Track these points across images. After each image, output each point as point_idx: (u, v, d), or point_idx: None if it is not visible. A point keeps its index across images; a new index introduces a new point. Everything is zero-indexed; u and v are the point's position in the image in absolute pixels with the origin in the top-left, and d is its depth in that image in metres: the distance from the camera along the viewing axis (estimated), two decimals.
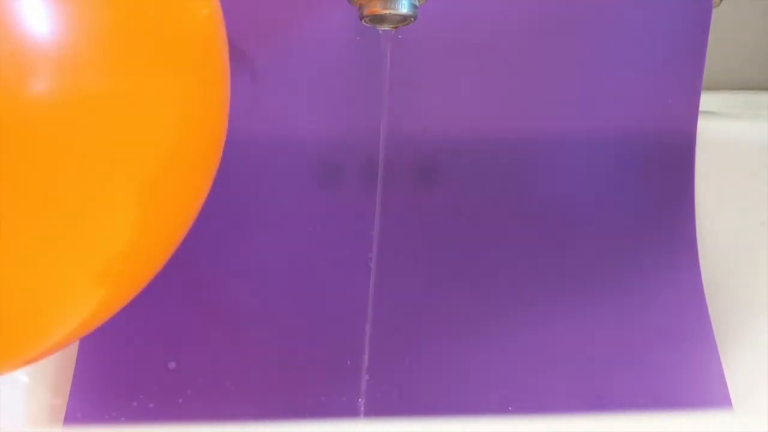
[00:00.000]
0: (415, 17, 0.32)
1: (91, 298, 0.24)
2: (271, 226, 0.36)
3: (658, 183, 0.36)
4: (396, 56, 0.34)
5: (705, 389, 0.34)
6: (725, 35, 0.43)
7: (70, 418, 0.33)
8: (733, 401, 0.33)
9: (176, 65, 0.23)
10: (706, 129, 0.37)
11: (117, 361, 0.34)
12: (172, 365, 0.34)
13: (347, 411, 0.34)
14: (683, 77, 0.35)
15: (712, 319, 0.35)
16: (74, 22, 0.19)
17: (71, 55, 0.19)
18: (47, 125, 0.19)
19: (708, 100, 0.38)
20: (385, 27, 0.33)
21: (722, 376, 0.34)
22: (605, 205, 0.37)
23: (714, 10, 0.35)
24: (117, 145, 0.21)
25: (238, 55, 0.35)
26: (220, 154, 0.27)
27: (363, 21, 0.32)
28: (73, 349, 0.34)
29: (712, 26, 0.35)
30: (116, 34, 0.20)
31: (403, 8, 0.31)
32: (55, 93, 0.19)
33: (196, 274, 0.36)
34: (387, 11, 0.31)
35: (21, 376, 0.33)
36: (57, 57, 0.19)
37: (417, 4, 0.32)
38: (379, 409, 0.34)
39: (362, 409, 0.34)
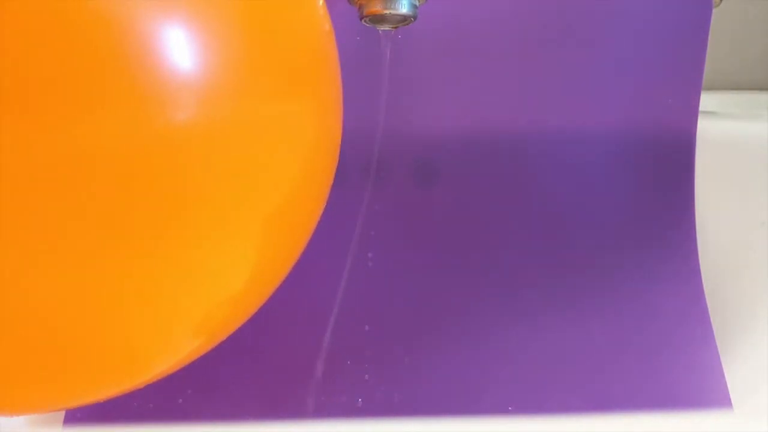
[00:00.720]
0: (415, 17, 0.32)
1: (186, 344, 0.22)
2: None
3: (658, 183, 0.36)
4: (396, 56, 0.34)
5: (705, 389, 0.34)
6: (725, 35, 0.43)
7: (70, 418, 0.33)
8: (733, 401, 0.33)
9: (303, 88, 0.22)
10: (706, 129, 0.37)
11: None
12: None
13: (347, 411, 0.34)
14: (683, 77, 0.35)
15: (712, 320, 0.35)
16: (213, 52, 0.19)
17: (209, 85, 0.18)
18: (184, 155, 0.18)
19: (708, 100, 0.38)
20: (385, 27, 0.33)
21: (722, 376, 0.34)
22: (605, 205, 0.37)
23: (714, 10, 0.35)
24: (247, 176, 0.20)
25: None
26: (331, 184, 0.26)
27: (363, 21, 0.32)
28: None
29: (712, 26, 0.35)
30: (251, 62, 0.20)
31: (403, 8, 0.31)
32: (193, 123, 0.18)
33: None
34: (387, 11, 0.31)
35: None
36: (196, 87, 0.18)
37: (417, 4, 0.32)
38: (379, 409, 0.34)
39: (362, 409, 0.34)
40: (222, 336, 0.24)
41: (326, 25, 0.24)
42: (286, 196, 0.21)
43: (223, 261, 0.20)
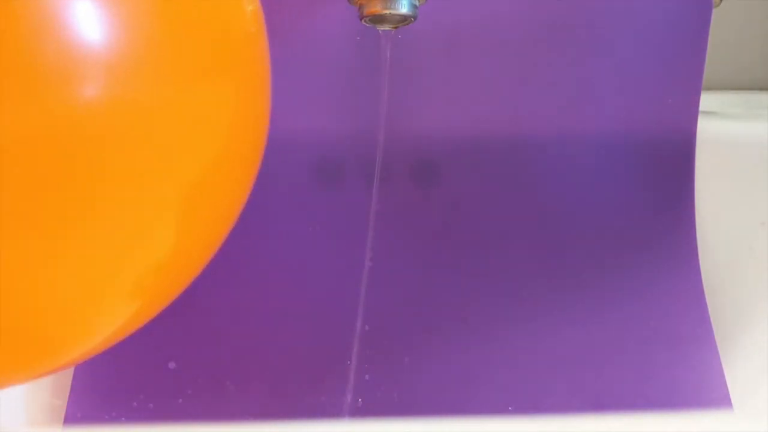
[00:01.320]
0: (415, 17, 0.32)
1: (124, 309, 0.23)
2: (269, 226, 0.36)
3: (658, 183, 0.36)
4: (396, 56, 0.34)
5: (705, 389, 0.34)
6: (725, 35, 0.43)
7: (70, 418, 0.33)
8: (733, 401, 0.33)
9: (225, 68, 0.22)
10: (706, 129, 0.37)
11: (117, 361, 0.34)
12: (172, 365, 0.34)
13: (347, 411, 0.34)
14: (683, 77, 0.35)
15: (712, 320, 0.35)
16: (125, 27, 0.19)
17: (122, 61, 0.18)
18: (95, 131, 0.18)
19: (708, 100, 0.38)
20: (385, 27, 0.33)
21: (722, 376, 0.34)
22: (605, 205, 0.37)
23: (714, 10, 0.35)
24: (164, 151, 0.20)
25: None
26: (260, 160, 0.26)
27: (363, 21, 0.32)
28: None
29: (712, 26, 0.35)
30: (167, 39, 0.20)
31: (403, 8, 0.31)
32: (104, 98, 0.18)
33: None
34: (387, 11, 0.31)
35: None
36: (107, 62, 0.18)
37: (417, 4, 0.32)
38: (379, 408, 0.34)
39: (362, 408, 0.34)
40: (158, 304, 0.24)
41: (249, 6, 0.24)
42: (200, 173, 0.22)
43: (144, 230, 0.21)
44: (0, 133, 0.17)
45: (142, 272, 0.22)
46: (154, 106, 0.19)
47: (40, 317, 0.20)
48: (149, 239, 0.21)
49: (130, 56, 0.19)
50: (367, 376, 0.34)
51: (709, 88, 0.42)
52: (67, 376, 0.34)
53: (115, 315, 0.23)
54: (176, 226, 0.22)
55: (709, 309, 0.35)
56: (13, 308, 0.19)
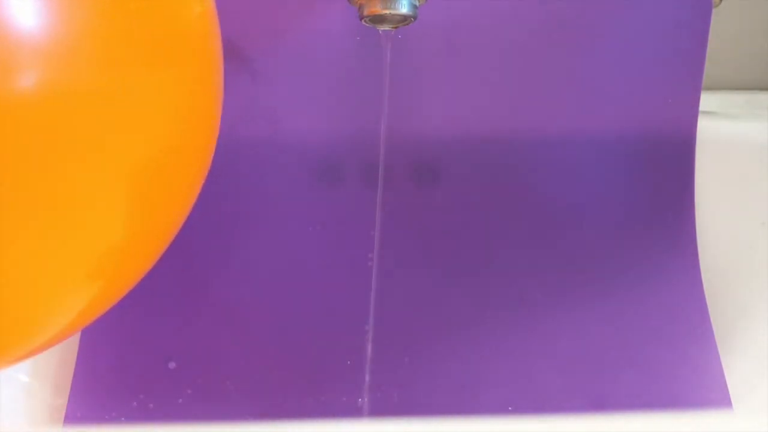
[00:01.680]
0: (415, 17, 0.32)
1: (84, 293, 0.23)
2: (271, 226, 0.36)
3: (658, 183, 0.36)
4: (396, 56, 0.34)
5: (705, 389, 0.34)
6: (725, 35, 0.43)
7: (70, 418, 0.33)
8: (733, 401, 0.33)
9: (167, 60, 0.22)
10: (706, 129, 0.37)
11: (117, 361, 0.34)
12: (172, 365, 0.34)
13: (348, 411, 0.34)
14: (683, 77, 0.35)
15: (712, 319, 0.35)
16: (63, 15, 0.19)
17: (59, 49, 0.18)
18: (34, 120, 0.18)
19: (708, 100, 0.38)
20: (385, 27, 0.33)
21: (722, 376, 0.34)
22: (605, 205, 0.37)
23: (714, 10, 0.35)
24: (107, 140, 0.21)
25: (237, 55, 0.35)
26: (213, 150, 0.27)
27: (363, 21, 0.32)
28: (73, 349, 0.34)
29: (712, 26, 0.35)
30: (106, 28, 0.20)
31: (403, 8, 0.31)
32: (42, 87, 0.18)
33: (196, 274, 0.36)
34: (387, 11, 0.31)
35: (21, 375, 0.33)
36: (44, 51, 0.18)
37: (417, 4, 0.32)
38: (380, 408, 0.34)
39: (363, 408, 0.34)
40: (122, 285, 0.25)
41: (198, 6, 0.24)
42: (150, 155, 0.22)
43: (94, 215, 0.21)
44: None
45: (97, 256, 0.22)
46: (94, 93, 0.20)
47: (2, 301, 0.21)
48: (101, 223, 0.22)
49: (66, 43, 0.19)
50: (367, 376, 0.34)
51: (709, 88, 0.42)
52: (67, 376, 0.34)
53: (75, 299, 0.23)
54: (126, 211, 0.22)
55: (709, 309, 0.35)
56: None
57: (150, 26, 0.22)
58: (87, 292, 0.23)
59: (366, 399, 0.34)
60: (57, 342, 0.25)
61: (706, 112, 0.37)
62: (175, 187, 0.25)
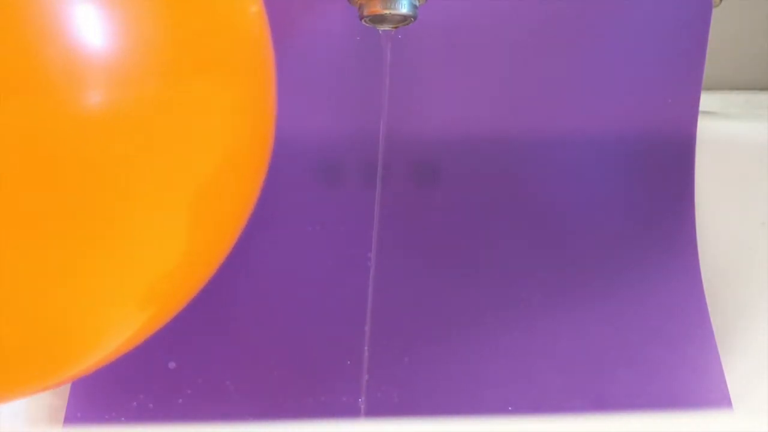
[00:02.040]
0: (415, 17, 0.32)
1: (136, 317, 0.22)
2: (270, 226, 0.36)
3: (658, 183, 0.36)
4: (396, 56, 0.34)
5: (705, 389, 0.34)
6: (725, 35, 0.43)
7: (70, 418, 0.33)
8: (733, 401, 0.33)
9: (229, 69, 0.22)
10: (706, 129, 0.37)
11: (117, 361, 0.34)
12: (172, 365, 0.34)
13: (347, 411, 0.34)
14: (683, 77, 0.35)
15: (712, 319, 0.35)
16: (127, 31, 0.18)
17: (124, 66, 0.18)
18: (100, 137, 0.18)
19: (708, 100, 0.38)
20: (385, 27, 0.33)
21: (722, 376, 0.34)
22: (605, 206, 0.37)
23: (714, 10, 0.35)
24: (171, 154, 0.20)
25: None
26: (268, 162, 0.26)
27: (363, 21, 0.32)
28: None
29: (712, 26, 0.35)
30: (170, 43, 0.19)
31: (403, 8, 0.31)
32: (109, 104, 0.18)
33: None
34: (387, 11, 0.31)
35: None
36: (110, 68, 0.18)
37: (417, 4, 0.32)
38: (379, 408, 0.34)
39: (362, 408, 0.34)
40: (170, 311, 0.24)
41: (253, 6, 0.24)
42: (207, 174, 0.22)
43: (154, 235, 0.21)
44: (7, 140, 0.17)
45: (154, 279, 0.21)
46: (158, 110, 0.19)
47: (50, 327, 0.20)
48: (160, 245, 0.21)
49: (132, 61, 0.18)
50: (367, 376, 0.34)
51: (709, 88, 0.42)
52: None
53: (126, 323, 0.22)
54: (187, 231, 0.22)
55: (709, 308, 0.35)
56: (24, 319, 0.19)
57: (211, 36, 0.21)
58: (138, 316, 0.22)
59: (365, 399, 0.34)
60: (98, 366, 0.24)
61: (706, 112, 0.37)
62: (234, 202, 0.24)
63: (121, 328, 0.22)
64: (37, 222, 0.18)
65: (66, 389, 0.34)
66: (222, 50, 0.22)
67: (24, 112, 0.17)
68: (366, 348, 0.35)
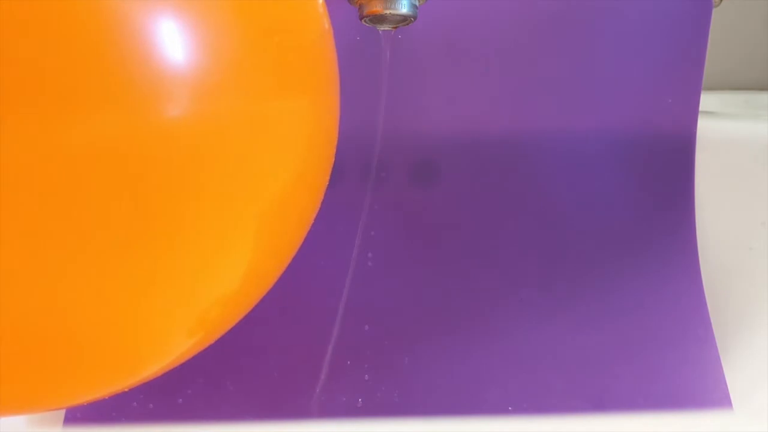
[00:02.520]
0: (415, 17, 0.32)
1: (179, 344, 0.22)
2: None
3: (658, 183, 0.36)
4: (396, 56, 0.34)
5: (705, 389, 0.34)
6: (725, 35, 0.43)
7: (70, 418, 0.33)
8: (733, 401, 0.33)
9: (306, 87, 0.22)
10: (706, 129, 0.37)
11: None
12: None
13: (347, 411, 0.34)
14: (683, 77, 0.35)
15: (712, 319, 0.35)
16: (208, 46, 0.19)
17: (205, 80, 0.18)
18: (180, 150, 0.18)
19: (708, 100, 0.38)
20: (385, 27, 0.33)
21: (722, 376, 0.34)
22: (604, 206, 0.37)
23: (714, 10, 0.35)
24: (246, 170, 0.20)
25: None
26: (327, 181, 0.26)
27: (363, 21, 0.32)
28: None
29: (712, 26, 0.35)
30: (250, 59, 0.20)
31: (403, 8, 0.31)
32: (187, 118, 0.18)
33: None
34: (387, 11, 0.31)
35: None
36: (191, 81, 0.18)
37: (417, 4, 0.32)
38: (379, 409, 0.34)
39: (362, 409, 0.34)
40: (217, 334, 0.24)
41: (325, 23, 0.24)
42: (280, 193, 0.21)
43: (217, 258, 0.20)
44: (88, 150, 0.17)
45: (208, 305, 0.21)
46: (236, 125, 0.19)
47: (98, 345, 0.20)
48: (221, 269, 0.21)
49: (212, 75, 0.19)
50: (367, 376, 0.34)
51: (709, 88, 0.42)
52: None
53: (172, 349, 0.22)
54: (249, 255, 0.21)
55: (709, 309, 0.35)
56: (68, 333, 0.19)
57: (290, 53, 0.21)
58: (181, 344, 0.22)
59: (365, 399, 0.34)
60: (130, 387, 0.24)
61: (706, 112, 0.37)
62: (298, 222, 0.24)
63: (164, 353, 0.22)
64: (109, 233, 0.18)
65: None
66: (300, 68, 0.22)
67: (110, 124, 0.17)
68: (366, 348, 0.35)
